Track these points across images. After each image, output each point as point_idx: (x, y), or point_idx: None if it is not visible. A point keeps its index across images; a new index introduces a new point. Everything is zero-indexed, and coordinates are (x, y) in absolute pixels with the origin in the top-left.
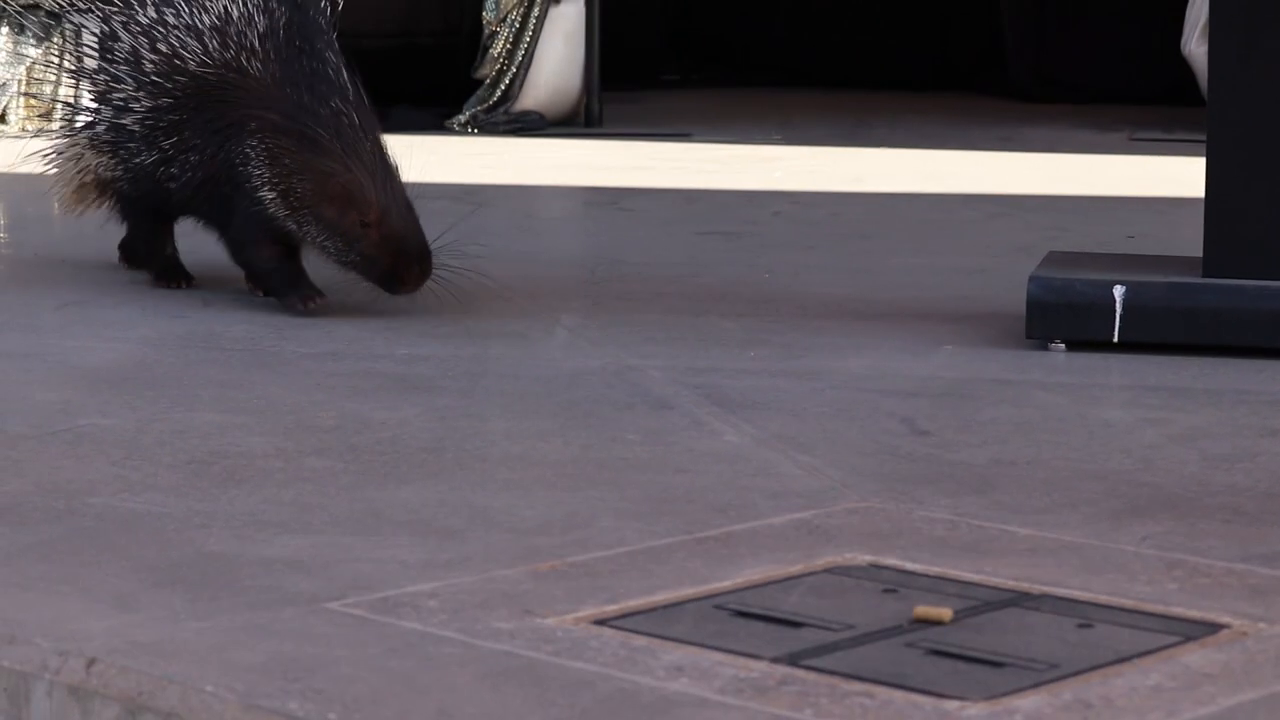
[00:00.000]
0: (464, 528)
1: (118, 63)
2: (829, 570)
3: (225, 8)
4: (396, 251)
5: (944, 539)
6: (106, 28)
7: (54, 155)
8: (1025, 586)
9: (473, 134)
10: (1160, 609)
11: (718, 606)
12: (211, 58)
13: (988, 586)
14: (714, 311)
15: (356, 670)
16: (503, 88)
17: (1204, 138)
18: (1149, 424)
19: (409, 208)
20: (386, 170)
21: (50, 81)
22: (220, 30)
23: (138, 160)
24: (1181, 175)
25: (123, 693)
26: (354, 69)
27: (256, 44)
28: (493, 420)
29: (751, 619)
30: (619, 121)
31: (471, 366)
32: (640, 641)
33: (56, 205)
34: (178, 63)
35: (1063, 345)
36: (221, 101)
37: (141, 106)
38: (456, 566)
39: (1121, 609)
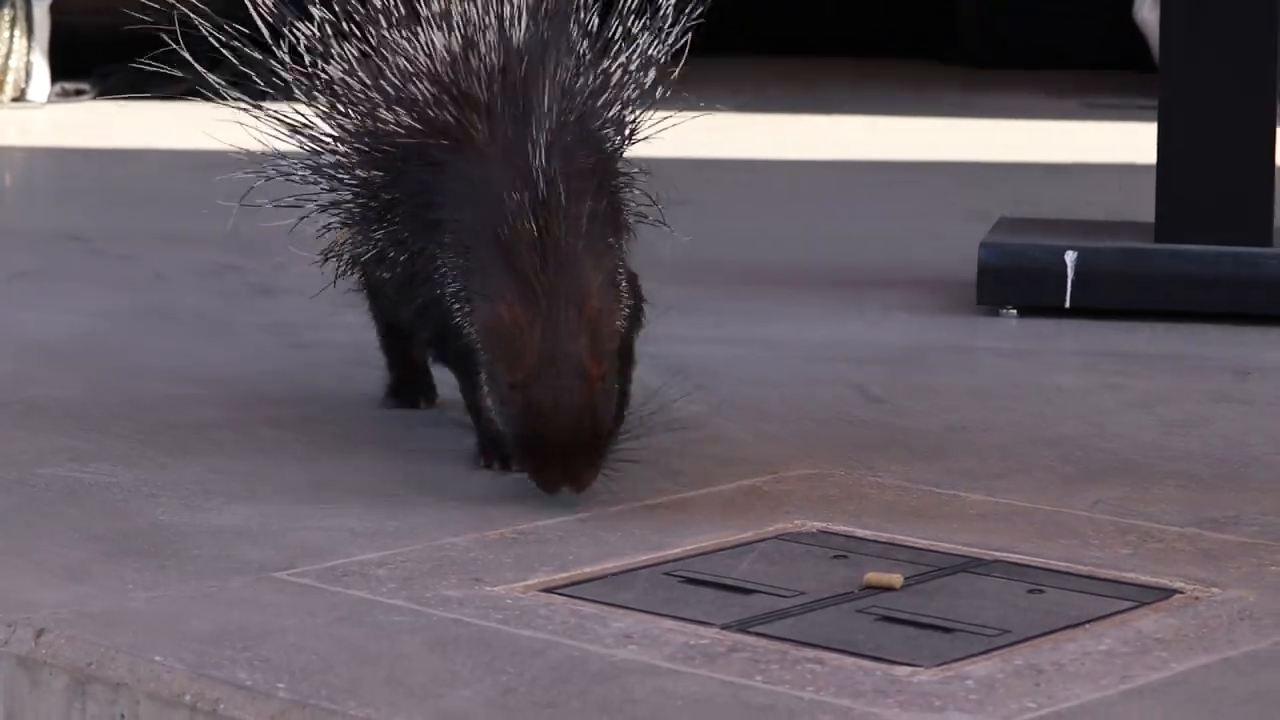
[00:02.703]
0: (414, 497)
1: (329, 104)
2: (779, 537)
3: (463, 29)
4: (536, 435)
5: (895, 505)
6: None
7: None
8: (976, 552)
9: None
10: (1113, 574)
11: (668, 573)
12: (422, 120)
13: (938, 552)
14: (668, 279)
15: (305, 639)
16: None
17: (1156, 104)
18: (1101, 389)
19: (584, 360)
20: (568, 301)
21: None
22: (434, 74)
23: (362, 247)
24: (1134, 141)
25: (71, 663)
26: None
27: (483, 95)
28: (443, 389)
29: (701, 586)
30: None
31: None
32: (590, 609)
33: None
34: (379, 128)
35: (1014, 311)
36: (426, 185)
37: (353, 179)
38: (406, 535)
39: (1074, 574)
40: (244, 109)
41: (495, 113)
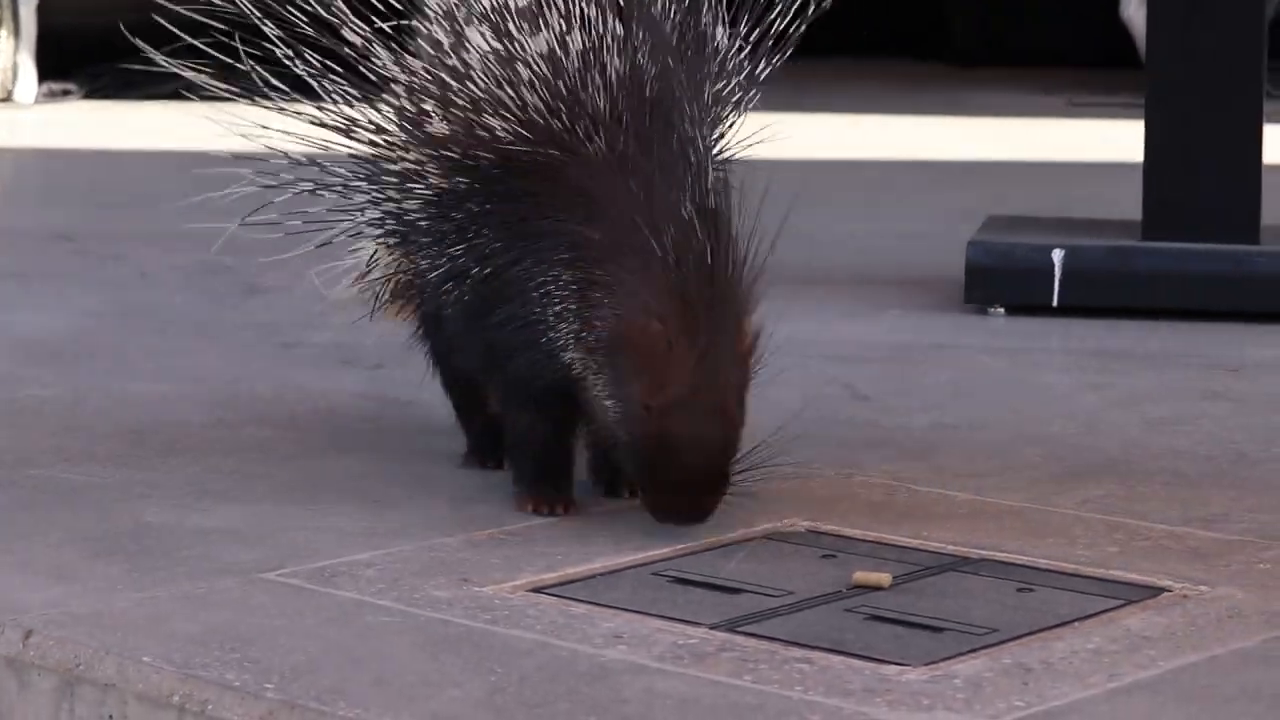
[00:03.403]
0: (403, 497)
1: (400, 118)
2: (768, 536)
3: (564, 37)
4: (670, 463)
5: (883, 504)
6: (383, 58)
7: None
8: (965, 551)
9: None
10: (1101, 572)
11: (656, 573)
12: (531, 122)
13: (927, 551)
14: None
15: (294, 640)
16: None
17: (1143, 102)
18: (1088, 388)
19: (730, 395)
20: (725, 330)
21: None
22: (549, 79)
23: (426, 268)
24: (1121, 139)
25: (60, 664)
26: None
27: (604, 105)
28: (432, 390)
29: (690, 586)
30: None
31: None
32: (578, 609)
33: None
34: (482, 133)
35: (1002, 310)
36: (532, 195)
37: (427, 189)
38: (395, 535)
39: (1062, 573)
40: (282, 111)
41: (624, 126)
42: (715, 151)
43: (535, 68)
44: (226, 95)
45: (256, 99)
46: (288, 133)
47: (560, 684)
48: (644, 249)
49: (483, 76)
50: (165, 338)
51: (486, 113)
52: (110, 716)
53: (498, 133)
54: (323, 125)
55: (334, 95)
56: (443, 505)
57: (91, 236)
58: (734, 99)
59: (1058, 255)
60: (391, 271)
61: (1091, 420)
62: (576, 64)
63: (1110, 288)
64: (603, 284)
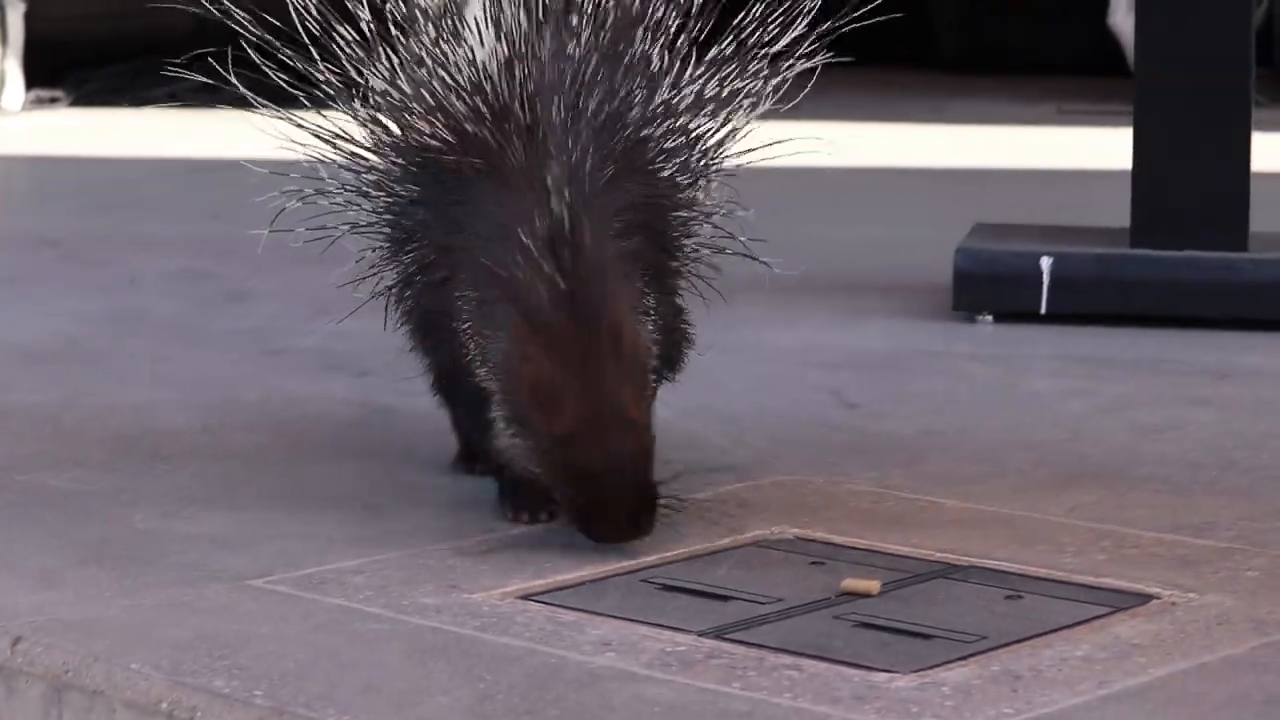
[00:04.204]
0: (390, 504)
1: (366, 113)
2: (756, 543)
3: (502, 30)
4: (587, 488)
5: (871, 511)
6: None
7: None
8: (953, 558)
9: None
10: (1089, 579)
11: (645, 580)
12: (464, 126)
13: (915, 558)
14: None
15: (282, 646)
16: None
17: (1131, 109)
18: (1077, 395)
19: (631, 403)
20: (620, 347)
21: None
22: (475, 85)
23: (391, 274)
24: (1109, 146)
25: (48, 670)
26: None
27: (524, 107)
28: (419, 396)
29: (679, 592)
30: None
31: (397, 342)
32: (567, 616)
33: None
34: (427, 127)
35: (990, 317)
36: (458, 206)
37: (390, 195)
38: (383, 542)
39: (1050, 580)
40: (289, 120)
41: (534, 134)
42: (652, 158)
43: (462, 74)
44: (233, 104)
45: (267, 107)
46: (301, 144)
47: (549, 691)
48: (522, 273)
49: (418, 84)
50: (152, 344)
51: (420, 118)
52: None
53: (430, 139)
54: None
55: (312, 102)
56: (431, 512)
57: (78, 242)
58: (712, 127)
59: (1046, 262)
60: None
61: (1080, 427)
62: (502, 71)
63: (1099, 295)
64: (492, 312)
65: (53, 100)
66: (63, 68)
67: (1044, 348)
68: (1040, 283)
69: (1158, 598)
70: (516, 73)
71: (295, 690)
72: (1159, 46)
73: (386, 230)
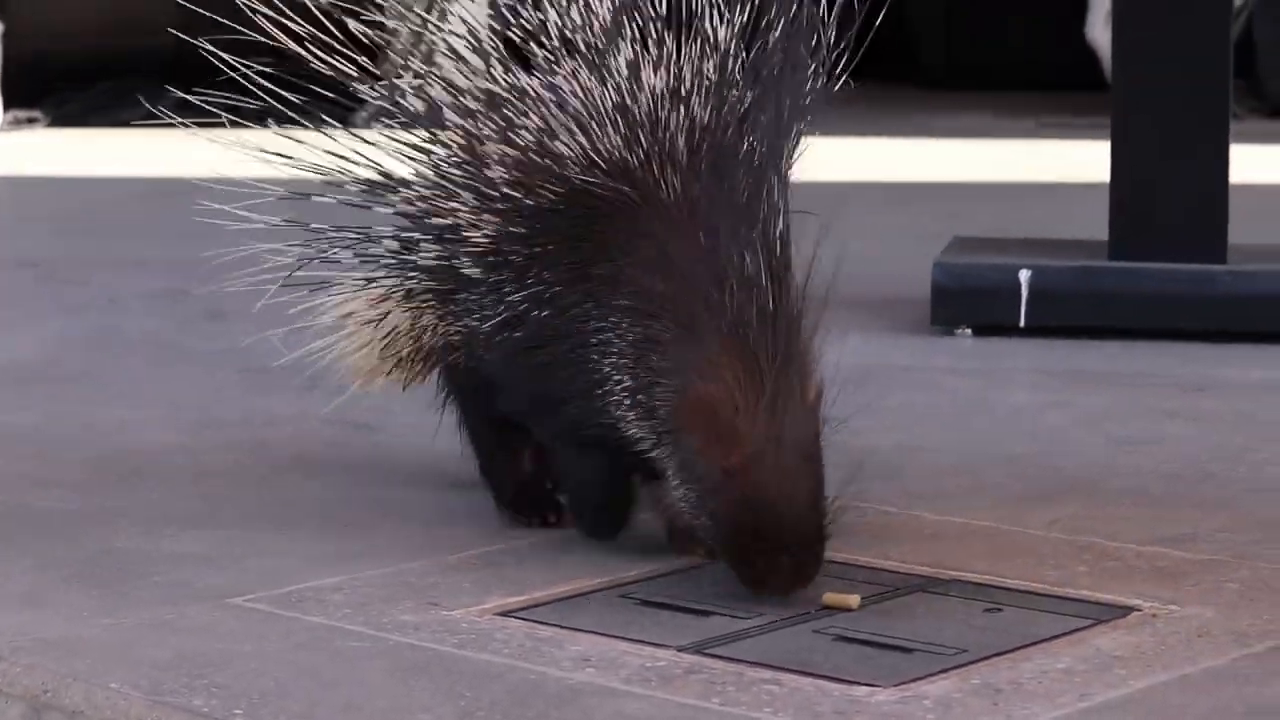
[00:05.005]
0: (370, 521)
1: (446, 163)
2: None
3: (640, 70)
4: (758, 529)
5: (851, 525)
6: (422, 101)
7: (345, 300)
8: (933, 572)
9: None
10: (1069, 592)
11: (624, 595)
12: (605, 158)
13: (895, 572)
14: None
15: (263, 665)
16: None
17: (1109, 123)
18: (1056, 407)
19: (807, 444)
20: (789, 381)
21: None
22: (627, 111)
23: (474, 322)
24: (1087, 160)
25: (28, 690)
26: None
27: (682, 143)
28: (398, 414)
29: (659, 608)
30: None
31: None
32: (546, 632)
33: (343, 370)
34: (548, 161)
35: (969, 330)
36: (599, 234)
37: (483, 237)
38: (362, 560)
39: (1030, 592)
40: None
41: (699, 172)
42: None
43: (614, 95)
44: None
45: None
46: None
47: (529, 707)
48: (703, 304)
49: (553, 109)
50: (133, 364)
51: (558, 138)
52: None
53: (566, 161)
54: (368, 185)
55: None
56: (410, 530)
57: (57, 263)
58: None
59: (1025, 276)
60: (406, 335)
61: (1059, 440)
62: (659, 97)
63: (1077, 308)
64: (660, 342)
65: (31, 121)
66: (41, 88)
67: (1023, 361)
68: (1019, 296)
69: (1138, 610)
70: (678, 105)
71: (276, 709)
72: (1136, 60)
73: (477, 275)
